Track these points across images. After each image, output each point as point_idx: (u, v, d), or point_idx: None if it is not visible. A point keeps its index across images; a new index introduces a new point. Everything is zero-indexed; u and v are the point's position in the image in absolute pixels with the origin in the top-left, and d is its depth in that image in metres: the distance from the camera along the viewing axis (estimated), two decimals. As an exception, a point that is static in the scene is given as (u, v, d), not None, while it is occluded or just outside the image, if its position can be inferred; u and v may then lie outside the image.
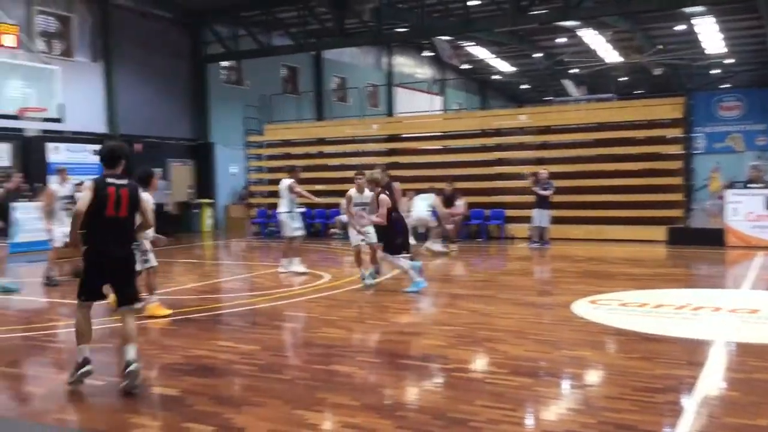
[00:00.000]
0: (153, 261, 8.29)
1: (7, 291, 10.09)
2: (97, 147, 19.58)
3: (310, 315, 8.29)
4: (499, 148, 19.09)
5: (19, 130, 15.52)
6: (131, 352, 5.21)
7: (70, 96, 14.82)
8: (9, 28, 13.12)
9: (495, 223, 18.23)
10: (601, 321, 7.45)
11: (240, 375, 5.61)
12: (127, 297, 5.48)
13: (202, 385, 5.30)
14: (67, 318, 8.65)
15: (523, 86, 41.50)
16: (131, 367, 5.09)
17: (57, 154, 18.79)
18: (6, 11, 15.91)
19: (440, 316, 8.13)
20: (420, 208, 14.99)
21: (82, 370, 5.25)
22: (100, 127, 20.00)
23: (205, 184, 23.49)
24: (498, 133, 19.38)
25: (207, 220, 22.47)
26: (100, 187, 5.19)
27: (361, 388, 5.11)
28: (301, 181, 21.43)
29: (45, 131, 16.01)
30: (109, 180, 5.28)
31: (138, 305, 5.85)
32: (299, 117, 23.47)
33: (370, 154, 20.92)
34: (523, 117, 19.38)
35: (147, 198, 6.14)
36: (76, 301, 5.52)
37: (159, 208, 17.27)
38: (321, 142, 22.06)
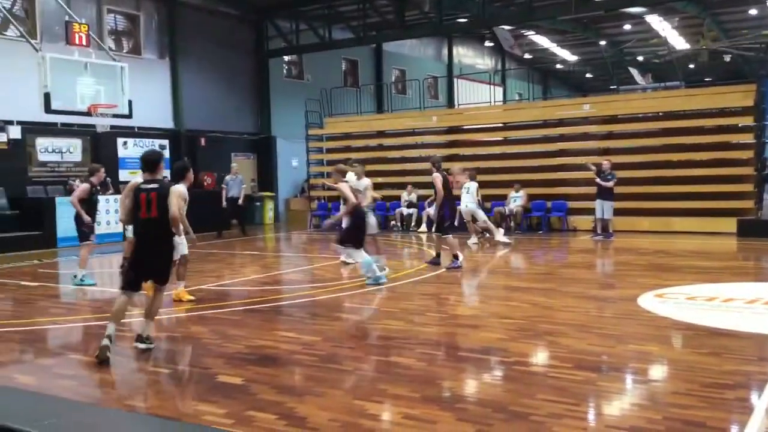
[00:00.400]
0: (183, 250, 8.54)
1: (83, 285, 10.48)
2: (164, 141, 20.22)
3: (369, 306, 8.35)
4: (561, 138, 18.75)
5: (91, 126, 16.10)
6: (149, 328, 6.26)
7: (138, 92, 15.27)
8: (80, 28, 13.59)
9: (557, 215, 17.93)
10: (668, 315, 7.25)
11: (301, 365, 5.69)
12: (162, 280, 6.31)
13: (265, 374, 5.40)
14: (136, 308, 8.96)
15: (587, 75, 40.61)
16: (140, 345, 6.16)
17: (126, 149, 19.43)
18: (77, 11, 16.50)
19: (500, 309, 8.05)
20: (465, 199, 14.90)
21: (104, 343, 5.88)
22: (166, 122, 20.56)
23: (266, 177, 23.90)
24: (561, 123, 19.05)
25: (268, 212, 22.86)
26: (135, 192, 6.05)
27: (420, 380, 5.11)
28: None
29: (114, 127, 16.56)
30: (143, 186, 6.05)
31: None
32: (359, 110, 23.58)
33: (429, 146, 20.87)
34: (587, 106, 18.98)
35: (178, 190, 6.44)
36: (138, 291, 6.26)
37: (233, 200, 17.73)
38: (381, 134, 22.11)
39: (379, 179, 20.82)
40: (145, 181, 6.06)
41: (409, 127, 21.51)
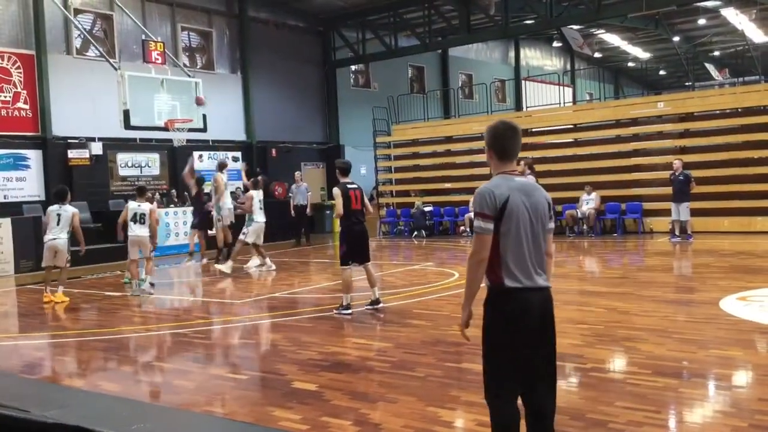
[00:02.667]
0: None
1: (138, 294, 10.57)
2: (237, 153, 20.71)
3: (440, 313, 8.32)
4: (635, 138, 18.25)
5: (168, 140, 16.69)
6: (374, 293, 8.56)
7: (211, 106, 15.73)
8: (156, 46, 14.13)
9: (632, 216, 17.43)
10: (752, 318, 6.94)
11: (374, 372, 5.72)
12: (367, 258, 8.59)
13: (339, 380, 5.45)
14: (214, 315, 9.22)
15: (660, 72, 39.41)
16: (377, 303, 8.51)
17: (201, 162, 20.03)
18: (152, 30, 17.17)
19: (575, 314, 7.88)
20: None
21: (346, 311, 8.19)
22: (238, 134, 21.10)
23: (334, 185, 24.15)
24: (634, 122, 18.53)
25: (338, 220, 23.08)
26: (345, 190, 8.54)
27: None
28: (429, 180, 21.59)
29: (190, 140, 17.11)
30: (349, 185, 8.61)
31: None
32: (426, 116, 23.60)
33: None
34: (661, 104, 18.40)
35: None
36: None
37: (302, 209, 17.99)
38: (448, 140, 22.05)
39: (447, 185, 20.77)
40: (350, 182, 8.57)
41: (476, 131, 21.33)
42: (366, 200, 8.90)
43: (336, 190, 8.49)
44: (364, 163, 24.23)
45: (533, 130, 20.50)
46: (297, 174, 18.74)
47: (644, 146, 17.98)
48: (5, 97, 15.91)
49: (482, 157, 20.68)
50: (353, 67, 25.68)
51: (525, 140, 20.41)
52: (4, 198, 15.78)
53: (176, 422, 1.13)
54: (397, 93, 23.70)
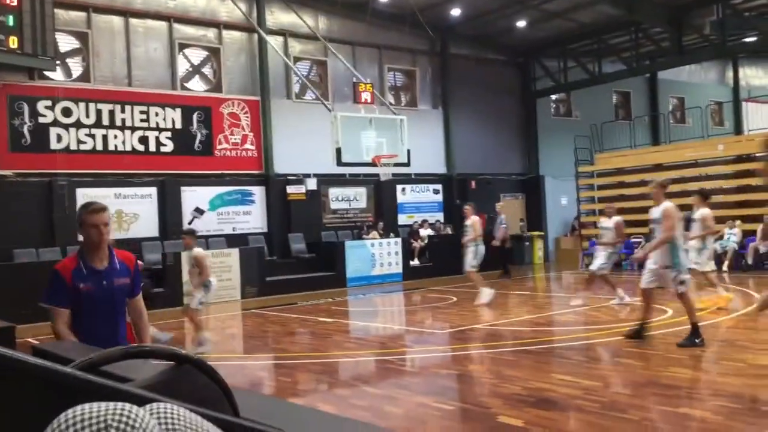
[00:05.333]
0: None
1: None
2: (438, 186, 21.21)
3: (653, 352, 7.85)
4: None
5: (374, 175, 17.58)
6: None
7: (414, 141, 16.37)
8: (365, 87, 15.05)
9: None
10: None
11: (582, 411, 5.55)
12: None
13: (545, 418, 5.37)
14: (417, 344, 9.48)
15: None
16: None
17: (404, 195, 20.80)
18: (361, 72, 18.28)
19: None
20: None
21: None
22: (439, 167, 21.63)
23: (535, 216, 23.82)
24: None
25: (538, 252, 22.70)
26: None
27: (717, 436, 4.69)
28: (636, 210, 20.53)
29: (395, 174, 17.88)
30: None
31: None
32: (632, 143, 22.54)
33: (714, 177, 19.17)
34: None
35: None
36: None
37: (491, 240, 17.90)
38: (657, 168, 20.84)
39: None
40: None
41: (690, 158, 19.99)
42: None
43: None
44: (566, 194, 23.63)
45: (756, 155, 18.75)
46: (497, 205, 18.68)
47: None
48: (235, 139, 17.76)
49: (696, 185, 19.35)
50: (554, 97, 25.30)
51: (745, 167, 18.75)
52: (233, 230, 17.49)
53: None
54: (600, 120, 22.92)
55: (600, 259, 12.08)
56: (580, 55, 23.14)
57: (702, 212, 10.49)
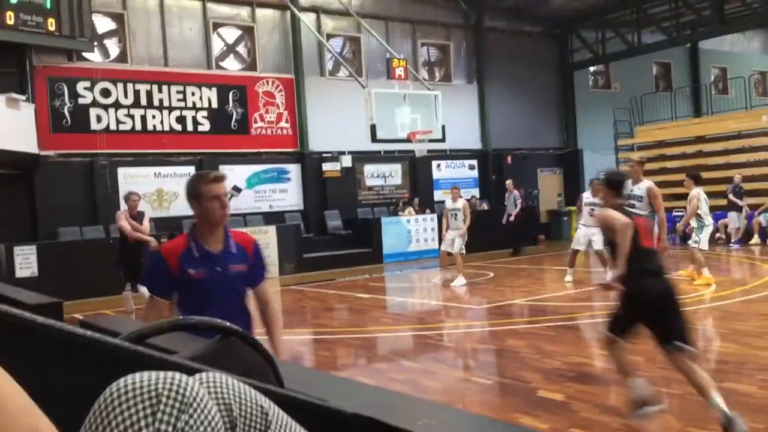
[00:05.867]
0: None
1: None
2: (473, 161, 21.05)
3: (697, 327, 7.72)
4: None
5: (409, 151, 17.51)
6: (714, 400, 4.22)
7: (449, 117, 16.21)
8: (399, 63, 14.94)
9: None
10: None
11: (624, 385, 5.49)
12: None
13: (586, 392, 5.33)
14: (455, 319, 9.49)
15: None
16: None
17: (439, 171, 20.69)
18: (395, 47, 18.13)
19: None
20: None
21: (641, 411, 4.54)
22: (474, 143, 21.44)
23: (573, 191, 23.50)
24: None
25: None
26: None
27: (765, 410, 4.60)
28: (677, 184, 20.11)
29: (430, 151, 17.78)
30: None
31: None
32: (673, 115, 22.03)
33: (758, 149, 18.66)
34: None
35: None
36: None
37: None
38: (699, 140, 20.38)
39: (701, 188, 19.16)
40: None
41: (733, 130, 19.48)
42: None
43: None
44: (604, 168, 23.23)
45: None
46: (508, 182, 18.14)
47: None
48: (270, 117, 17.83)
49: (740, 158, 18.90)
50: (592, 69, 24.79)
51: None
52: (270, 208, 17.62)
53: (459, 421, 1.21)
54: (640, 92, 22.44)
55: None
56: (618, 25, 22.58)
57: (692, 193, 10.58)
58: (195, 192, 3.13)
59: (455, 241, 11.99)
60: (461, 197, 12.52)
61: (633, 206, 6.86)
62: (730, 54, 27.58)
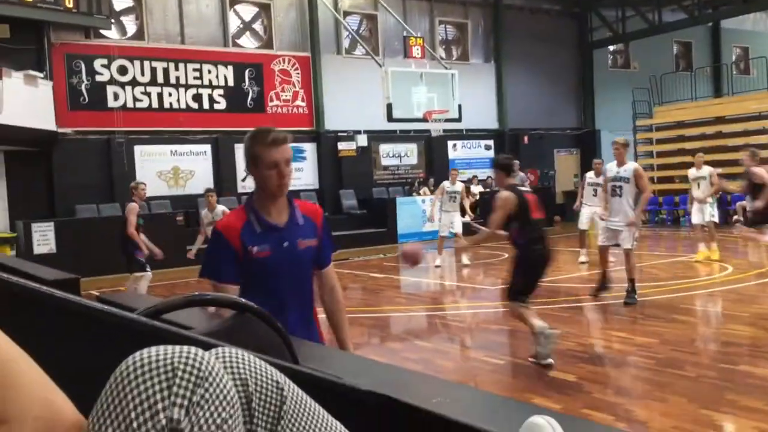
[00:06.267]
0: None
1: None
2: (489, 142, 20.94)
3: (712, 309, 7.70)
4: None
5: (425, 131, 17.44)
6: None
7: (465, 96, 16.11)
8: (416, 41, 14.83)
9: None
10: None
11: (637, 367, 5.50)
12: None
13: (599, 373, 5.33)
14: (468, 299, 9.50)
15: None
16: None
17: (455, 150, 20.61)
18: (412, 26, 18.00)
19: None
20: None
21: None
22: (491, 123, 21.30)
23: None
24: None
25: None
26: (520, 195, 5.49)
27: (779, 394, 4.58)
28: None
29: (446, 130, 17.69)
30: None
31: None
32: (693, 95, 21.74)
33: (780, 130, 18.42)
34: None
35: None
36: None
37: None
38: (719, 120, 20.12)
39: (719, 170, 18.92)
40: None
41: (754, 110, 19.20)
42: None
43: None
44: (622, 149, 23.05)
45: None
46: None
47: None
48: (286, 96, 17.80)
49: (761, 139, 18.68)
50: (611, 48, 24.47)
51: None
52: (285, 186, 17.68)
53: (473, 399, 1.22)
54: (659, 72, 22.14)
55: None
56: (638, 3, 22.22)
57: (710, 170, 11.21)
58: (252, 154, 2.56)
59: (454, 223, 12.10)
60: (460, 180, 12.65)
61: (621, 188, 7.72)
62: (752, 33, 27.09)
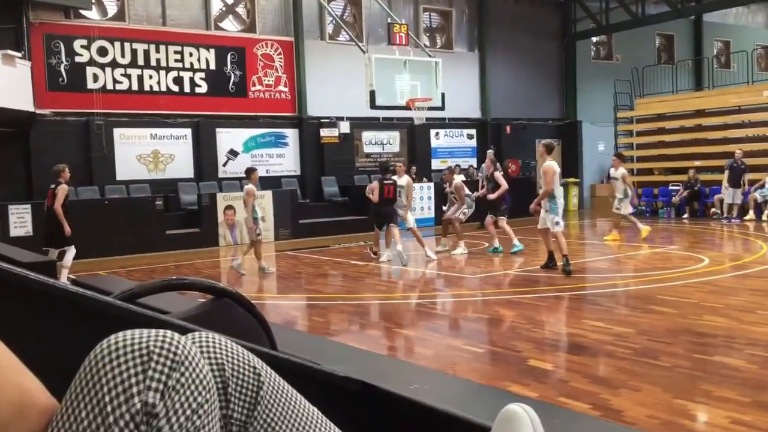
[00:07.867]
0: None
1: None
2: (471, 131, 20.96)
3: (688, 300, 7.78)
4: None
5: (408, 119, 17.41)
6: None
7: (449, 85, 16.07)
8: (400, 28, 14.75)
9: None
10: None
11: (614, 357, 5.55)
12: None
13: (576, 362, 5.38)
14: (449, 288, 9.54)
15: None
16: None
17: (437, 139, 20.61)
18: (397, 12, 17.92)
19: None
20: None
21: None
22: (474, 112, 21.33)
23: (571, 162, 23.46)
24: None
25: (572, 199, 22.44)
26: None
27: (752, 384, 4.65)
28: (675, 158, 20.16)
29: (429, 119, 17.67)
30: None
31: None
32: (674, 88, 21.91)
33: (758, 124, 18.62)
34: None
35: None
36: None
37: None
38: (699, 114, 20.32)
39: (697, 163, 19.17)
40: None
41: (733, 104, 19.41)
42: None
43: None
44: (603, 140, 23.20)
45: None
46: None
47: None
48: (269, 81, 17.67)
49: (739, 133, 18.89)
50: (594, 39, 24.56)
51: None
52: (266, 172, 17.56)
53: (450, 387, 1.22)
54: (641, 64, 22.28)
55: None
56: (623, -5, 22.31)
57: (621, 172, 13.21)
58: None
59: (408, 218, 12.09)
60: (406, 173, 12.52)
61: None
62: (734, 27, 27.34)
